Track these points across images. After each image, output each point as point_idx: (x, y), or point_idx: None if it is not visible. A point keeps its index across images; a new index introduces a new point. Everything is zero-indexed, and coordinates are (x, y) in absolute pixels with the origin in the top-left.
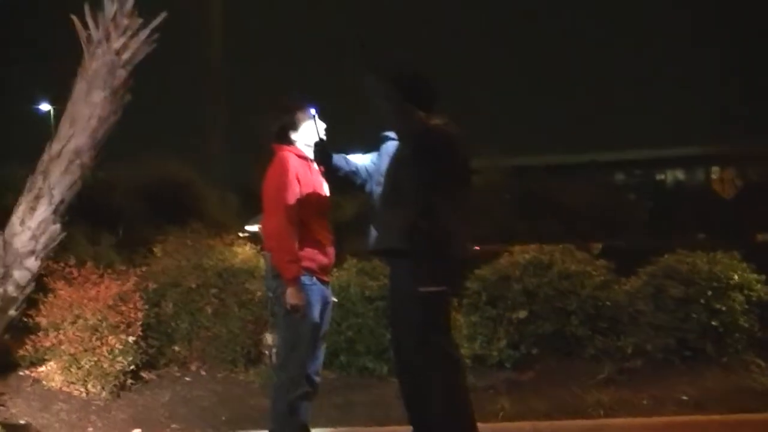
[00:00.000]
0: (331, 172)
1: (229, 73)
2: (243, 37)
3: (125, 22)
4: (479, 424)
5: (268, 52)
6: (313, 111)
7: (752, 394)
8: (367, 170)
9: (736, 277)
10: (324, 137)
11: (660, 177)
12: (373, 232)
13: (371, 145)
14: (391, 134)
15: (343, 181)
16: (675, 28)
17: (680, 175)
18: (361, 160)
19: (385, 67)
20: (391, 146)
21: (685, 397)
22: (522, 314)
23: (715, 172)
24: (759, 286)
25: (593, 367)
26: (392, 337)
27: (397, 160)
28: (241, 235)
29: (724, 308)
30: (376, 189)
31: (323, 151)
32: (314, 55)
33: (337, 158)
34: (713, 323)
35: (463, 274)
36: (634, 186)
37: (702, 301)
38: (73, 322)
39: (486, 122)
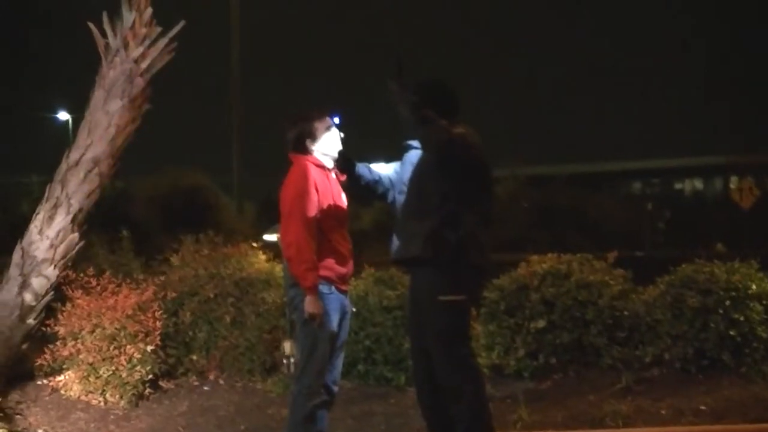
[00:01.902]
0: (353, 181)
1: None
2: (263, 46)
3: (143, 30)
4: None
5: (288, 62)
6: (336, 120)
7: None
8: (390, 180)
9: (754, 286)
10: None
11: (678, 186)
12: (396, 241)
13: (394, 154)
14: (414, 143)
15: (365, 191)
16: (694, 33)
17: (698, 184)
18: (383, 169)
19: (408, 75)
20: (413, 155)
21: (703, 407)
22: (540, 324)
23: (734, 181)
24: None
25: (611, 376)
26: (412, 347)
27: (420, 169)
28: (255, 245)
29: (742, 318)
30: (399, 198)
31: (346, 160)
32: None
33: (360, 167)
34: (731, 333)
35: (484, 283)
36: (652, 195)
37: (720, 310)
38: (92, 332)
39: (503, 131)
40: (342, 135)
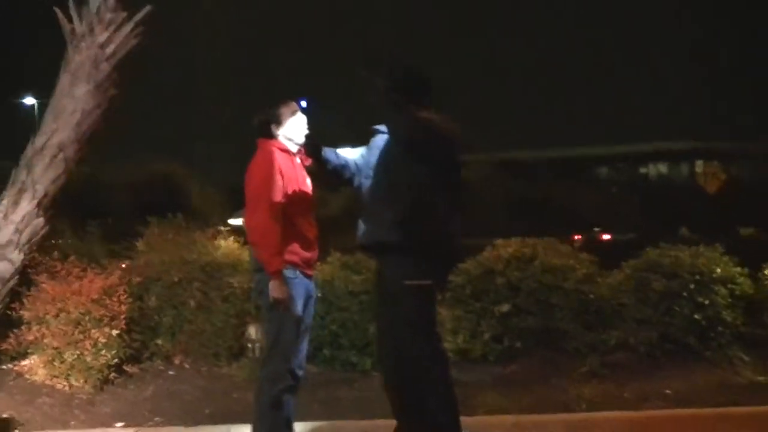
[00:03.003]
0: (320, 166)
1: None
2: (232, 33)
3: (109, 15)
4: (462, 418)
5: (255, 49)
6: (303, 104)
7: (735, 388)
8: (356, 165)
9: (719, 270)
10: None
11: (643, 171)
12: (362, 226)
13: (362, 139)
14: (382, 128)
15: (331, 175)
16: (663, 17)
17: (664, 169)
18: (350, 154)
19: (379, 61)
20: (380, 140)
21: (668, 391)
22: (505, 308)
23: (699, 166)
24: (742, 279)
25: (576, 360)
26: (378, 332)
27: (387, 153)
28: (223, 228)
29: (707, 302)
30: (365, 183)
31: (314, 144)
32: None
33: (327, 152)
34: (696, 317)
35: (451, 268)
36: (618, 180)
37: (685, 294)
38: (57, 316)
39: (474, 116)
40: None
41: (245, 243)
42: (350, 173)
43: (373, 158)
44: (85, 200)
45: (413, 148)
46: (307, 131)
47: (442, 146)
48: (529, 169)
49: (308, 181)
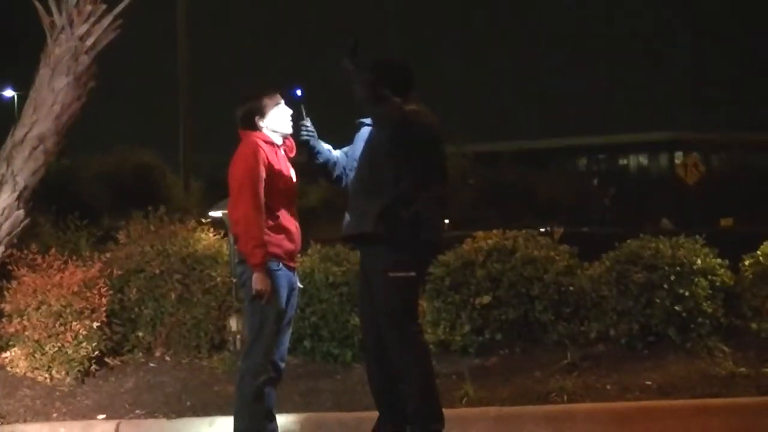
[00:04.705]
0: (311, 157)
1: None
2: (213, 21)
3: (89, 8)
4: (444, 410)
5: (241, 39)
6: (299, 92)
7: (716, 380)
8: (343, 166)
9: (699, 261)
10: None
11: (623, 162)
12: (347, 218)
13: (348, 134)
14: (367, 120)
15: (320, 169)
16: (644, 7)
17: (644, 160)
18: (335, 152)
19: (362, 53)
20: (365, 132)
21: (648, 383)
22: (485, 300)
23: (679, 157)
24: (722, 271)
25: (557, 352)
26: (362, 324)
27: (372, 145)
28: (204, 221)
29: (687, 293)
30: (350, 175)
31: (309, 133)
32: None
33: (320, 145)
34: (677, 308)
35: (434, 260)
36: (597, 172)
37: (665, 286)
38: (37, 308)
39: (450, 108)
40: (290, 111)
41: (225, 236)
42: (339, 173)
43: (358, 150)
44: (65, 192)
45: (397, 139)
46: (307, 119)
47: (426, 137)
48: (507, 160)
49: (292, 173)
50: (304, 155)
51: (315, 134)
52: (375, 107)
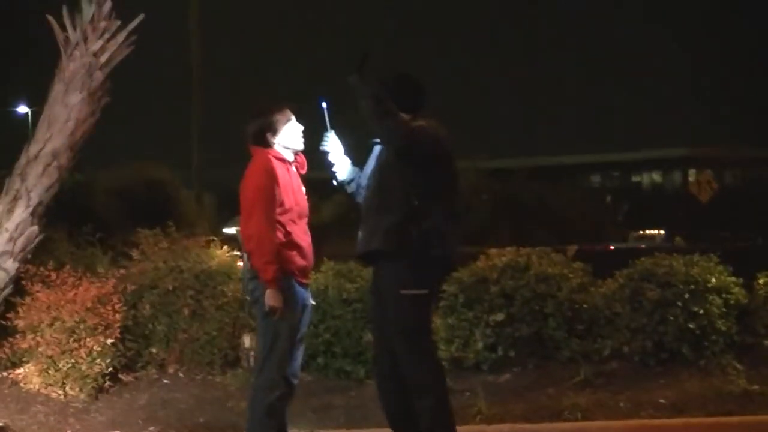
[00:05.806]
0: (331, 170)
1: (210, 76)
2: (225, 41)
3: (103, 24)
4: (457, 427)
5: (251, 57)
6: (324, 104)
7: (729, 397)
8: (357, 180)
9: (713, 279)
10: (303, 139)
11: (636, 179)
12: (360, 236)
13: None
14: (379, 139)
15: (339, 184)
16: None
17: (657, 177)
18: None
19: (371, 69)
20: (377, 150)
21: (662, 400)
22: (499, 317)
23: (692, 174)
24: (736, 289)
25: (570, 369)
26: (374, 341)
27: (381, 162)
28: (215, 238)
29: (701, 311)
30: (362, 193)
31: (333, 146)
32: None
33: (352, 169)
34: (690, 326)
35: (446, 277)
36: (611, 188)
37: (679, 303)
38: (51, 324)
39: (465, 124)
40: (302, 128)
41: (239, 252)
42: (353, 189)
43: (370, 168)
44: (79, 208)
45: (407, 155)
46: (331, 131)
47: (437, 153)
48: (519, 176)
49: (303, 189)
50: (325, 168)
51: (340, 147)
52: (382, 122)
